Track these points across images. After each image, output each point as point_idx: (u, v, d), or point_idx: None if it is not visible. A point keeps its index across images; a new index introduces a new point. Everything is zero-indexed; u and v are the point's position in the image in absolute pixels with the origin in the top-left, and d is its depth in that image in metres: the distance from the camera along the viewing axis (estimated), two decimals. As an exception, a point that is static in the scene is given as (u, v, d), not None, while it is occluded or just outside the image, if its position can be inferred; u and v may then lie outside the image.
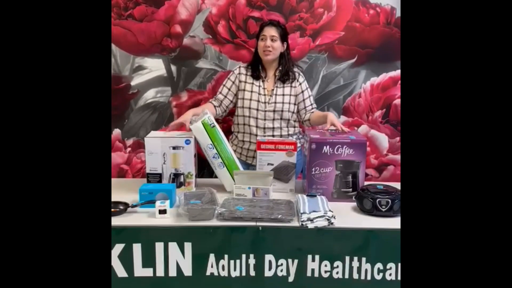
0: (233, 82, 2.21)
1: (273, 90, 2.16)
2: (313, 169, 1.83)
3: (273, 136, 2.14)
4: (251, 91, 2.16)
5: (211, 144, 1.88)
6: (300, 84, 2.19)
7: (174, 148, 1.89)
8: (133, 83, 2.49)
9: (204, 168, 2.30)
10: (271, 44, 2.09)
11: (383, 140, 2.57)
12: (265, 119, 2.14)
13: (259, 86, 2.16)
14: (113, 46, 2.43)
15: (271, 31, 2.10)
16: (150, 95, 2.51)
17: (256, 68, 2.18)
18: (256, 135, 2.14)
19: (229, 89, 2.22)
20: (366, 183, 1.86)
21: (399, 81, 2.51)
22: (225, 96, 2.22)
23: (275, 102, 2.14)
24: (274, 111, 2.14)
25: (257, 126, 2.15)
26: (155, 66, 2.48)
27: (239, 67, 2.24)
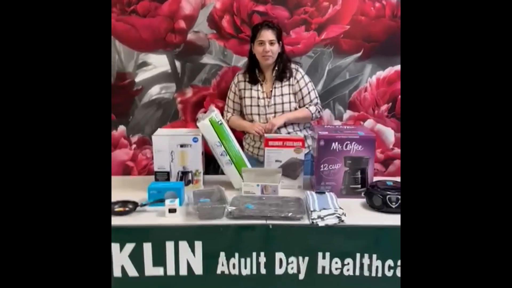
0: (235, 93, 2.23)
1: (271, 91, 2.15)
2: (322, 165, 1.82)
3: None
4: (251, 97, 2.17)
5: (218, 141, 1.87)
6: (298, 81, 2.16)
7: (181, 146, 1.88)
8: (137, 79, 2.48)
9: (210, 164, 2.30)
10: (270, 49, 2.07)
11: (389, 134, 2.56)
12: (267, 122, 2.13)
13: (258, 90, 2.16)
14: (117, 43, 2.41)
15: (268, 35, 2.07)
16: (154, 92, 2.50)
17: (254, 73, 2.17)
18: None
19: (233, 101, 2.24)
20: (374, 178, 1.86)
21: (405, 75, 2.50)
22: (234, 109, 2.25)
23: (275, 104, 2.14)
24: (274, 112, 2.14)
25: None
26: (159, 62, 2.46)
27: (237, 74, 2.24)
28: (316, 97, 2.22)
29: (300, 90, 2.16)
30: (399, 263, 1.57)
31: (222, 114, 2.18)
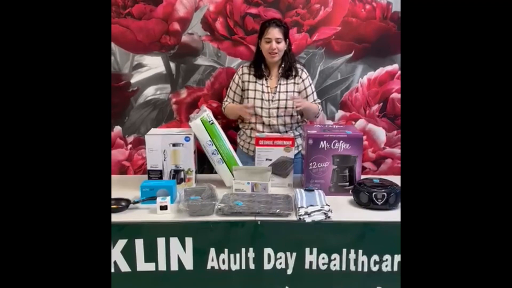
0: (237, 84, 2.25)
1: (276, 87, 2.19)
2: (311, 164, 1.86)
3: (279, 132, 2.18)
4: (255, 90, 2.19)
5: (210, 140, 1.92)
6: (303, 80, 2.22)
7: (174, 145, 1.93)
8: (133, 80, 2.52)
9: (204, 163, 2.34)
10: (276, 46, 2.11)
11: (380, 133, 2.60)
12: (269, 117, 2.18)
13: (262, 85, 2.19)
14: (113, 44, 2.45)
15: (275, 33, 2.10)
16: (149, 93, 2.54)
17: (259, 67, 2.21)
18: (263, 132, 2.18)
19: (234, 92, 2.26)
20: (363, 176, 1.90)
21: (396, 75, 2.54)
22: (233, 100, 2.27)
23: (279, 99, 2.17)
24: (278, 108, 2.17)
25: (263, 123, 2.19)
26: (154, 64, 2.51)
27: (242, 67, 2.27)
28: (318, 99, 2.28)
29: (305, 89, 2.22)
30: (384, 258, 1.61)
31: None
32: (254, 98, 2.19)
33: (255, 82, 2.20)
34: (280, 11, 2.44)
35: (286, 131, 2.20)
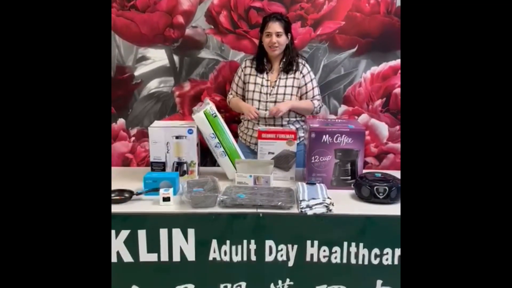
0: (240, 78, 2.27)
1: (276, 81, 2.19)
2: (313, 157, 1.87)
3: (274, 125, 2.18)
4: (255, 83, 2.21)
5: (213, 133, 1.93)
6: (304, 76, 2.22)
7: (177, 137, 1.94)
8: (136, 73, 2.53)
9: (207, 156, 2.35)
10: (277, 40, 2.12)
11: (383, 128, 2.60)
12: (266, 110, 2.18)
13: (263, 78, 2.21)
14: (117, 37, 2.46)
15: (276, 27, 2.11)
16: (153, 85, 2.55)
17: (261, 62, 2.22)
18: (258, 124, 2.19)
19: (237, 85, 2.28)
20: (365, 171, 1.91)
21: (399, 70, 2.54)
22: (236, 92, 2.29)
23: (277, 94, 2.18)
24: (275, 102, 2.18)
25: (259, 117, 2.19)
26: (158, 57, 2.51)
27: (245, 60, 2.28)
28: (319, 94, 2.27)
29: (305, 84, 2.22)
30: (385, 251, 1.63)
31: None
32: (253, 91, 2.20)
33: (256, 75, 2.22)
34: (284, 5, 2.44)
35: (282, 125, 2.20)
